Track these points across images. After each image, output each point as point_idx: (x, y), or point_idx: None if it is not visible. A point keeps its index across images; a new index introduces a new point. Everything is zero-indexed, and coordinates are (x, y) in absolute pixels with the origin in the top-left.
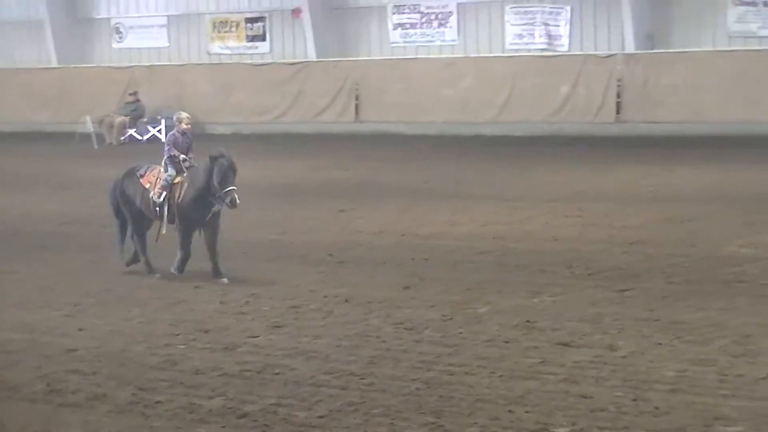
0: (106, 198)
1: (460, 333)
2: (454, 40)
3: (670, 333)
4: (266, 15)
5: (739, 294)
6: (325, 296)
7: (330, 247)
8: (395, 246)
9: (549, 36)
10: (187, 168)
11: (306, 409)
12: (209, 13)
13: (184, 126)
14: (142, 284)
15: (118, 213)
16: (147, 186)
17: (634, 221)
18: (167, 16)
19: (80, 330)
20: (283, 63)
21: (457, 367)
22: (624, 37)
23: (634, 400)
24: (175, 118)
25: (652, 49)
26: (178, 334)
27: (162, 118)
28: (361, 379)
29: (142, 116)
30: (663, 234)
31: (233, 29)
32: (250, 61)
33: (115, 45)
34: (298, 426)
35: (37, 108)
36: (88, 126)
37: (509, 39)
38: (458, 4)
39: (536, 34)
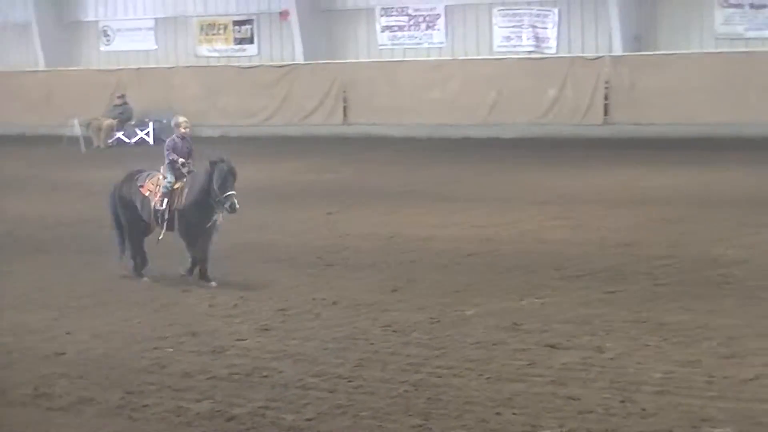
0: (95, 201)
1: (448, 335)
2: (441, 43)
3: (657, 335)
4: (254, 17)
5: (727, 296)
6: (313, 299)
7: (318, 249)
8: (383, 248)
9: (536, 38)
10: (187, 173)
11: (294, 412)
12: (197, 16)
13: (183, 130)
14: (130, 287)
15: (117, 218)
16: (147, 194)
17: (621, 223)
18: (155, 18)
19: (68, 333)
20: (271, 65)
21: (445, 369)
22: (611, 39)
23: (622, 401)
24: (173, 122)
25: (639, 51)
26: (166, 337)
27: (150, 120)
28: (349, 381)
29: (129, 119)
30: (651, 236)
31: (221, 32)
32: (237, 64)
33: (102, 48)
34: (286, 429)
35: (25, 111)
36: (76, 129)
37: (497, 41)
38: (446, 7)
39: (524, 36)
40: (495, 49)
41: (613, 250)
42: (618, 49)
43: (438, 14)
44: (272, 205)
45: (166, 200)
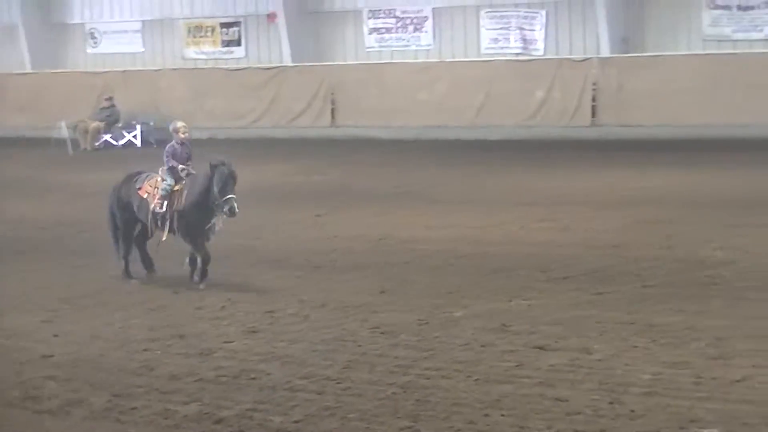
0: (82, 203)
1: (437, 337)
2: (429, 45)
3: (645, 336)
4: (241, 20)
5: (715, 297)
6: (301, 301)
7: (306, 251)
8: (371, 250)
9: (524, 40)
10: (185, 176)
11: (282, 414)
12: (184, 18)
13: (182, 135)
14: (118, 290)
15: (114, 220)
16: (145, 195)
17: (609, 225)
18: (142, 21)
19: (56, 336)
20: (259, 68)
21: (433, 371)
22: (599, 41)
23: (610, 403)
24: (171, 128)
25: (626, 53)
26: (154, 340)
27: (137, 123)
28: (337, 383)
29: (117, 121)
30: (638, 237)
31: (208, 34)
32: (225, 66)
33: (89, 50)
34: (274, 431)
35: (12, 113)
36: (63, 131)
37: (484, 43)
38: (434, 9)
39: (511, 38)
40: (482, 51)
41: (601, 251)
42: (605, 51)
43: (425, 16)
44: (260, 207)
45: (165, 202)
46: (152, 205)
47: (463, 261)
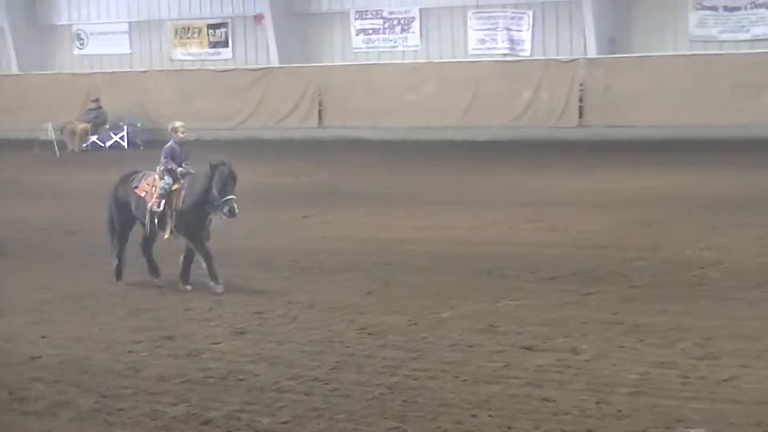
0: (71, 205)
1: (424, 338)
2: (416, 46)
3: (632, 336)
4: (228, 21)
5: (702, 297)
6: (289, 302)
7: (294, 252)
8: (359, 251)
9: (511, 41)
10: (183, 175)
11: (269, 415)
12: (171, 20)
13: (181, 135)
14: (106, 291)
15: (111, 220)
16: (143, 194)
17: (596, 225)
18: (129, 22)
19: (43, 337)
20: (246, 69)
21: (420, 371)
22: (586, 42)
23: (597, 403)
24: (170, 127)
25: (613, 54)
26: (141, 341)
27: (124, 124)
28: (325, 384)
29: (104, 123)
30: (626, 238)
31: (195, 35)
32: (212, 67)
33: (76, 51)
34: None
35: None
36: (50, 133)
37: (472, 44)
38: (421, 10)
39: (499, 39)
40: (470, 51)
41: (588, 252)
42: (592, 52)
43: (413, 17)
44: (247, 208)
45: (163, 201)
46: (150, 204)
47: (451, 262)
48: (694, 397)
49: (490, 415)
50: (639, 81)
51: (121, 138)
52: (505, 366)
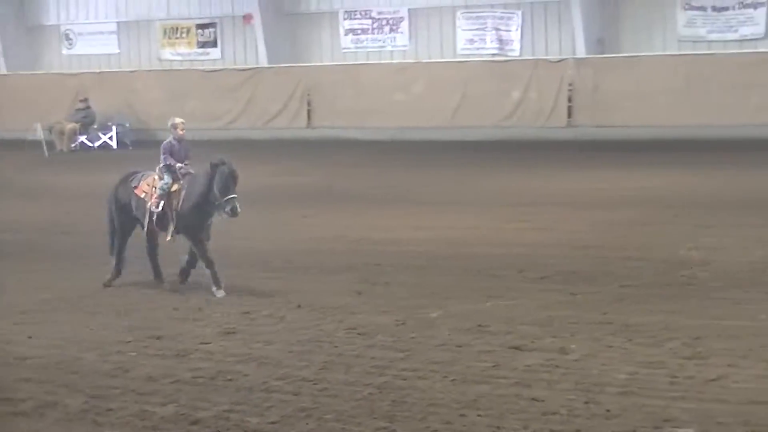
0: (61, 205)
1: (413, 338)
2: (405, 46)
3: (621, 336)
4: (217, 21)
5: (691, 297)
6: (278, 302)
7: (283, 252)
8: (348, 252)
9: (500, 41)
10: (183, 175)
11: (258, 415)
12: (159, 20)
13: (180, 132)
14: (94, 291)
15: (112, 221)
16: (142, 195)
17: (586, 225)
18: (117, 22)
19: (31, 338)
20: (235, 69)
21: (409, 371)
22: (575, 42)
23: (586, 402)
24: (169, 124)
25: (602, 54)
26: (130, 341)
27: (113, 124)
28: (314, 384)
29: (92, 123)
30: (615, 238)
31: (184, 35)
32: (201, 67)
33: (65, 51)
34: None
35: None
36: (39, 133)
37: (460, 44)
38: (409, 10)
39: (487, 39)
40: (459, 51)
41: (577, 252)
42: (581, 52)
43: (402, 17)
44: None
45: (162, 202)
46: (149, 204)
47: (441, 262)
48: (683, 397)
49: (479, 415)
50: (628, 81)
51: (110, 138)
52: (494, 366)
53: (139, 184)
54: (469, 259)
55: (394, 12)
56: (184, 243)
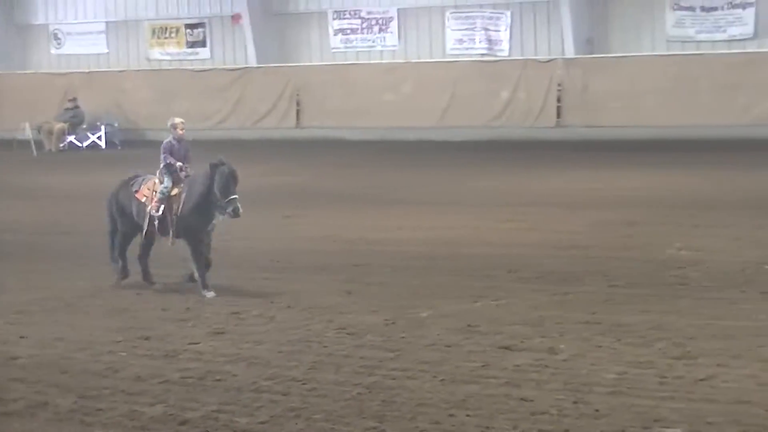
0: (53, 206)
1: (402, 337)
2: (394, 46)
3: (611, 336)
4: (206, 21)
5: (681, 297)
6: (267, 302)
7: (273, 253)
8: (338, 251)
9: (489, 41)
10: (184, 177)
11: (247, 415)
12: (148, 20)
13: (180, 131)
14: (84, 292)
15: (113, 225)
16: (143, 199)
17: (575, 225)
18: (106, 22)
19: (22, 338)
20: (224, 69)
21: (399, 371)
22: (564, 42)
23: (575, 402)
24: (169, 124)
25: (591, 54)
26: (119, 342)
27: (102, 124)
28: (303, 384)
29: (81, 123)
30: (604, 237)
31: (173, 35)
32: (190, 67)
33: (53, 51)
34: None
35: None
36: (27, 133)
37: (450, 44)
38: (399, 10)
39: (477, 39)
40: (448, 51)
41: (567, 251)
42: (570, 52)
43: (391, 17)
44: None
45: (162, 206)
46: (149, 208)
47: (430, 262)
48: (672, 397)
49: (468, 415)
50: (616, 81)
51: (99, 138)
52: (483, 366)
53: (140, 188)
54: (459, 258)
55: (384, 12)
56: (183, 246)
